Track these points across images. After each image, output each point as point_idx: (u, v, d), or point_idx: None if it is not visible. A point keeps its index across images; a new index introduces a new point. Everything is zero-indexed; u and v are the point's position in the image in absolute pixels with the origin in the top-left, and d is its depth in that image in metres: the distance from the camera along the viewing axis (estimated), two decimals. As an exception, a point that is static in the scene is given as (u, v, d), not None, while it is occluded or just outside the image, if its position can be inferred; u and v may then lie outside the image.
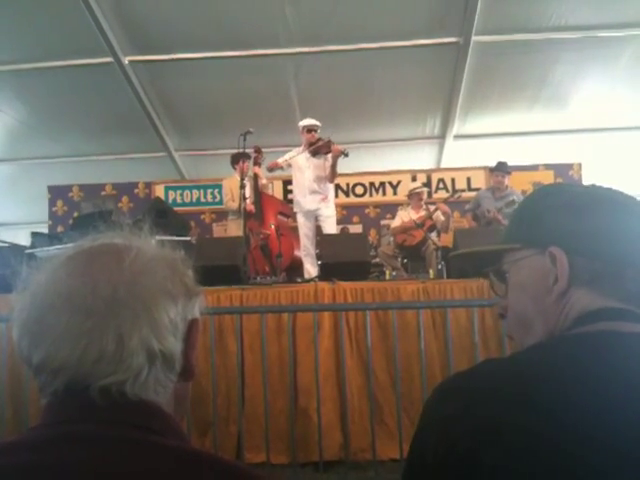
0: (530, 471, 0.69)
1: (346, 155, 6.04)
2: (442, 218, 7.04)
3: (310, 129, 6.39)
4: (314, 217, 6.40)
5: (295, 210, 6.56)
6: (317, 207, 6.35)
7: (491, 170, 7.38)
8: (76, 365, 0.75)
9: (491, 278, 1.06)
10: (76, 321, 0.75)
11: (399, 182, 9.85)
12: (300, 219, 6.44)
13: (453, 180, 9.84)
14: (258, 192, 6.86)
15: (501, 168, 7.06)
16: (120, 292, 0.77)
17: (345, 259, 5.01)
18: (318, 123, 6.43)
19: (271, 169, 6.57)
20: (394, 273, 6.33)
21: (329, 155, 6.20)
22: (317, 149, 6.26)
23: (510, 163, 7.18)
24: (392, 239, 7.54)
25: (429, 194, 9.13)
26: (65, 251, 0.85)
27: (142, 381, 0.78)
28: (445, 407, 0.80)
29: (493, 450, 0.71)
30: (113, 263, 0.81)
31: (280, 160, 6.49)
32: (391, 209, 9.31)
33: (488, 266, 1.05)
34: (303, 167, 6.37)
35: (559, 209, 0.93)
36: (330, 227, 6.40)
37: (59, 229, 9.81)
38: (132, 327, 0.77)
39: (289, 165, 6.49)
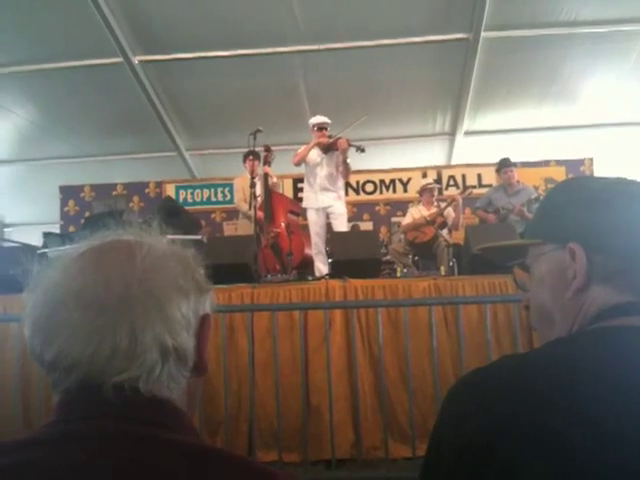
0: (543, 468, 0.69)
1: (359, 149, 5.98)
2: (453, 214, 7.01)
3: (321, 127, 6.34)
4: (325, 214, 6.37)
5: (305, 206, 6.52)
6: (329, 204, 6.31)
7: (497, 170, 7.33)
8: (89, 362, 0.75)
9: (515, 272, 1.06)
10: (88, 318, 0.75)
11: (409, 179, 9.83)
12: (311, 216, 6.39)
13: (464, 177, 9.81)
14: (268, 191, 6.86)
15: (506, 163, 7.00)
16: (133, 288, 0.77)
17: (356, 257, 4.99)
18: (328, 120, 6.39)
19: (298, 164, 6.45)
20: (405, 270, 6.30)
21: (338, 151, 6.17)
22: (328, 146, 6.23)
23: (521, 159, 7.15)
24: (403, 236, 7.51)
25: (440, 191, 9.10)
26: (77, 248, 0.85)
27: (155, 377, 0.78)
28: (461, 403, 0.81)
29: (506, 447, 0.71)
30: (125, 259, 0.81)
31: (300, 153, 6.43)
32: (401, 206, 9.32)
33: (510, 261, 1.06)
34: (315, 164, 6.33)
35: (579, 205, 0.92)
36: (341, 225, 6.37)
37: (71, 229, 9.84)
38: (145, 323, 0.76)
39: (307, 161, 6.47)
